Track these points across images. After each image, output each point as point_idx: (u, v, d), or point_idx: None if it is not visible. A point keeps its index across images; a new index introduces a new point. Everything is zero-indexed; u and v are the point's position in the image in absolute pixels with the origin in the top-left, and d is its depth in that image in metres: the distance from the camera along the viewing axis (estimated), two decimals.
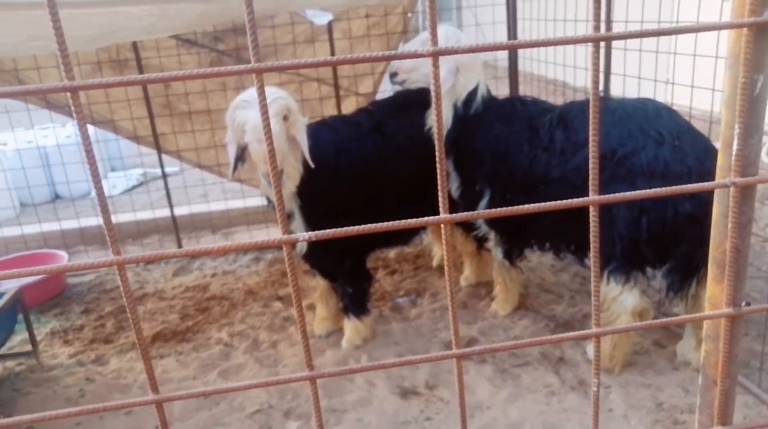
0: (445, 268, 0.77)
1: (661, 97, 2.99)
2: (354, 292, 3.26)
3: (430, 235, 4.23)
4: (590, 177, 0.79)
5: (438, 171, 0.76)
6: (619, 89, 3.56)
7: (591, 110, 0.78)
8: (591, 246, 0.82)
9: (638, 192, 0.82)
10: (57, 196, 6.70)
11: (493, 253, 3.42)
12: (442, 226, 0.77)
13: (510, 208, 0.80)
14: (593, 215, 0.81)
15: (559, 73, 4.70)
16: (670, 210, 2.42)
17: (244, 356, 3.35)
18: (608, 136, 2.60)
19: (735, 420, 2.72)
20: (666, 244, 2.48)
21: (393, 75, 3.15)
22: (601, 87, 3.80)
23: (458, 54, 0.71)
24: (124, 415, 2.93)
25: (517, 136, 2.96)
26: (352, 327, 3.32)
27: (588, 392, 2.87)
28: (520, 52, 4.51)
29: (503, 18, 4.39)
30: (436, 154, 0.73)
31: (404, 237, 3.55)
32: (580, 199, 0.82)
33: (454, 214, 0.79)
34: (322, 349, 3.39)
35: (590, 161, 0.79)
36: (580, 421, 2.71)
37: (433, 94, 0.69)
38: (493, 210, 0.79)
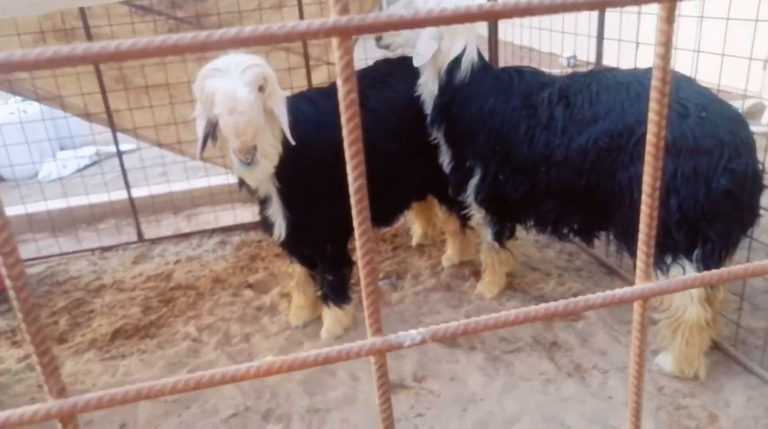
0: None
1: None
2: (334, 279, 3.02)
3: (409, 213, 3.99)
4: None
5: None
6: (613, 57, 3.33)
7: (651, 109, 0.54)
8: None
9: None
10: (0, 179, 6.23)
11: (482, 234, 3.20)
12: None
13: None
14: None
15: (536, 40, 4.46)
16: (703, 188, 2.21)
17: (215, 352, 3.08)
18: (624, 114, 2.39)
19: (738, 402, 2.58)
20: (700, 225, 2.26)
21: (378, 38, 2.87)
22: (591, 55, 3.57)
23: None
24: (83, 425, 2.64)
25: (513, 113, 2.72)
26: (332, 316, 3.08)
27: (586, 378, 2.71)
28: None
29: None
30: None
31: (389, 218, 3.30)
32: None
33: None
34: (299, 340, 3.14)
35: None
36: (580, 411, 2.54)
37: (339, 85, 0.48)
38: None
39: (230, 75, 2.21)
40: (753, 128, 2.49)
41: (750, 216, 2.37)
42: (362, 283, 0.52)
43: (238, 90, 2.16)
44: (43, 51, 0.39)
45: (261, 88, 2.30)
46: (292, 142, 2.42)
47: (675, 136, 2.26)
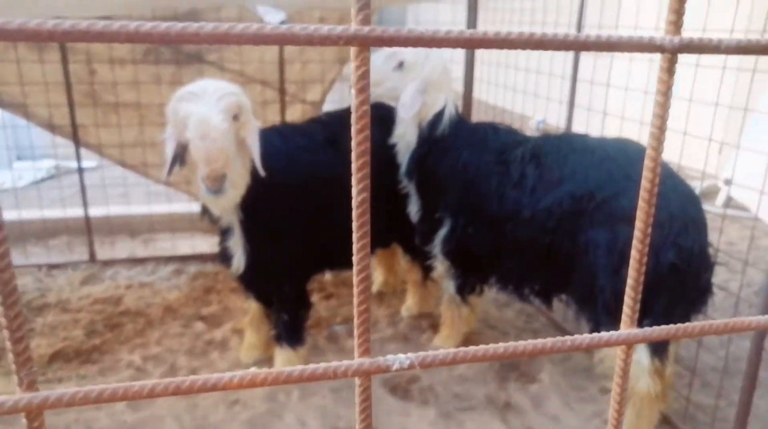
0: None
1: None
2: (290, 320, 2.94)
3: (372, 259, 3.96)
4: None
5: None
6: (582, 125, 3.43)
7: (643, 183, 0.57)
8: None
9: None
10: None
11: (444, 286, 3.19)
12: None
13: None
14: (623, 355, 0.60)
15: (509, 101, 4.58)
16: (651, 259, 2.25)
17: None
18: (586, 178, 2.44)
19: None
20: (646, 297, 2.29)
21: None
22: (561, 120, 3.68)
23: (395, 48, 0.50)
24: None
25: (486, 168, 2.76)
26: (284, 357, 2.99)
27: None
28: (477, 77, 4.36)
29: (461, 58, 4.22)
30: None
31: (351, 262, 3.25)
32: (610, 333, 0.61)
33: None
34: None
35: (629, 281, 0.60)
36: None
37: (353, 96, 0.48)
38: None
39: (206, 100, 2.18)
40: (707, 208, 2.57)
41: (696, 294, 2.42)
42: (355, 301, 0.52)
43: (213, 116, 2.13)
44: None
45: (236, 117, 2.27)
46: (262, 174, 2.39)
47: (631, 205, 2.31)
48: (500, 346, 0.52)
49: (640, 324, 2.10)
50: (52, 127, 4.07)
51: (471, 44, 0.47)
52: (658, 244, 2.23)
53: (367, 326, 0.52)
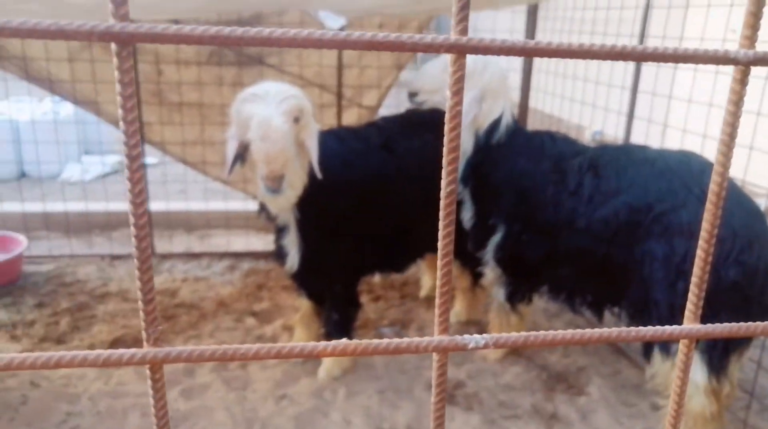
0: None
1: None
2: (340, 319, 2.99)
3: (421, 264, 3.98)
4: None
5: None
6: (641, 136, 3.38)
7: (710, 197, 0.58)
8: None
9: None
10: (23, 175, 6.31)
11: (494, 293, 3.18)
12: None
13: None
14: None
15: (566, 111, 4.53)
16: (712, 275, 2.20)
17: (210, 375, 3.04)
18: (646, 189, 2.41)
19: None
20: (704, 313, 2.24)
21: (413, 95, 2.91)
22: (619, 131, 3.62)
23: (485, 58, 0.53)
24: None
25: (542, 176, 2.75)
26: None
27: None
28: (534, 86, 4.33)
29: (520, 27, 4.21)
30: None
31: (401, 265, 3.30)
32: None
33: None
34: (296, 376, 3.10)
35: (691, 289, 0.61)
36: None
37: (448, 98, 0.53)
38: None
39: (268, 102, 2.25)
40: None
41: (760, 313, 2.35)
42: (438, 283, 0.56)
43: (274, 118, 2.20)
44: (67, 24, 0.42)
45: (296, 119, 2.34)
46: (319, 176, 2.44)
47: (690, 219, 2.27)
48: (568, 333, 0.55)
49: (698, 343, 2.06)
50: (119, 125, 4.25)
51: (565, 55, 0.50)
52: (720, 261, 2.18)
53: (448, 307, 0.56)
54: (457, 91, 0.51)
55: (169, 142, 4.32)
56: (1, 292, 3.78)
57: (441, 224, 0.54)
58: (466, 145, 2.91)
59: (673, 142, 3.19)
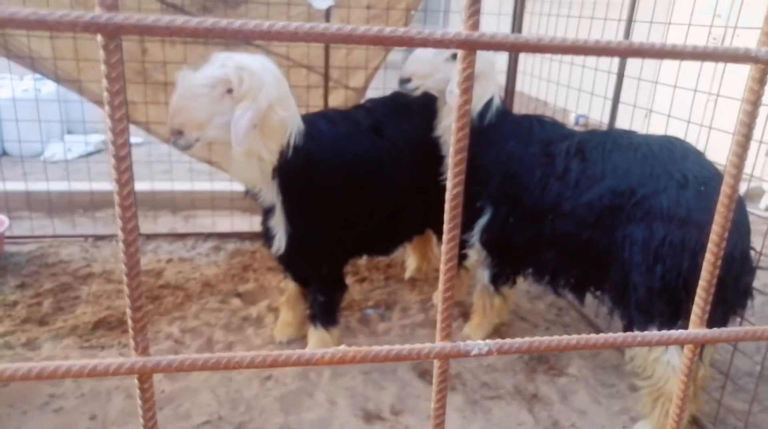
0: None
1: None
2: (325, 301, 3.01)
3: (407, 245, 4.00)
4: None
5: None
6: (625, 121, 3.39)
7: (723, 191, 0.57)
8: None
9: None
10: (4, 153, 6.22)
11: (478, 275, 3.21)
12: None
13: None
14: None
15: (552, 95, 4.53)
16: (688, 260, 2.24)
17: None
18: (628, 174, 2.43)
19: None
20: (680, 297, 2.28)
21: (405, 81, 2.88)
22: (603, 116, 3.64)
23: (490, 50, 0.53)
24: (51, 412, 2.60)
25: (530, 159, 2.77)
26: (317, 337, 3.06)
27: None
28: (520, 69, 4.32)
29: (507, 9, 4.19)
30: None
31: (388, 248, 3.31)
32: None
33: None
34: None
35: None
36: None
37: (456, 95, 0.51)
38: None
39: (208, 67, 2.38)
40: (751, 210, 2.53)
41: (735, 298, 2.39)
42: (441, 287, 0.55)
43: (195, 80, 2.33)
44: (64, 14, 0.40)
45: (229, 90, 2.36)
46: (237, 147, 2.43)
47: (670, 204, 2.30)
48: (573, 338, 0.55)
49: (675, 325, 2.09)
50: (103, 104, 4.19)
51: (579, 51, 0.49)
52: (698, 245, 2.21)
53: (451, 312, 0.55)
54: (466, 89, 0.49)
55: (153, 121, 4.27)
56: None
57: (446, 228, 0.53)
58: None
59: (658, 128, 3.21)
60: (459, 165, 0.52)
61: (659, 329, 2.37)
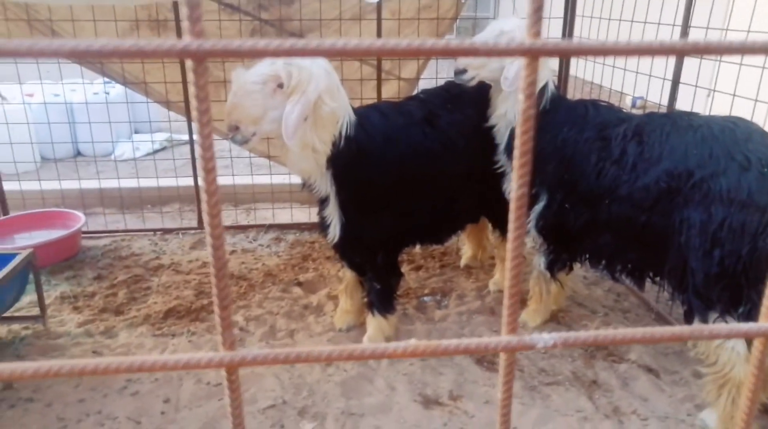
0: None
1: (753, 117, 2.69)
2: (382, 289, 3.08)
3: (461, 233, 4.02)
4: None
5: None
6: (686, 102, 3.29)
7: None
8: None
9: None
10: (79, 154, 6.57)
11: (534, 262, 3.21)
12: None
13: None
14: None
15: (607, 78, 4.43)
16: (748, 244, 2.17)
17: (260, 343, 3.19)
18: (686, 156, 2.38)
19: None
20: (740, 282, 2.22)
21: (460, 72, 2.89)
22: (663, 98, 3.55)
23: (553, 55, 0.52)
24: (129, 395, 2.78)
25: (586, 144, 2.74)
26: (375, 324, 3.14)
27: (624, 423, 2.68)
28: None
29: (558, 12, 4.15)
30: None
31: (442, 237, 3.35)
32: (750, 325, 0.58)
33: None
34: (341, 343, 3.20)
35: None
36: None
37: (520, 101, 0.51)
38: None
39: (258, 66, 2.50)
40: None
41: None
42: (507, 283, 0.55)
43: (247, 78, 2.45)
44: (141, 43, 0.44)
45: (280, 86, 2.46)
46: (287, 141, 2.51)
47: (730, 186, 2.23)
48: (638, 331, 0.54)
49: (736, 313, 2.03)
50: (167, 103, 4.39)
51: (642, 52, 0.49)
52: (760, 229, 2.15)
53: (517, 307, 0.56)
54: (530, 95, 0.50)
55: (215, 119, 4.41)
56: (63, 266, 4.01)
57: (511, 226, 0.53)
58: (511, 115, 2.91)
59: (722, 109, 3.10)
60: (524, 166, 0.52)
61: (720, 315, 2.32)
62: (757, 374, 0.59)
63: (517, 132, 0.50)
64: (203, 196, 0.49)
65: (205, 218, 0.49)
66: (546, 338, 0.55)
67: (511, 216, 0.53)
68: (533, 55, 0.49)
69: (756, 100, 2.98)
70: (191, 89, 0.46)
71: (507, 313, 0.56)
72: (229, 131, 2.54)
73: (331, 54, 0.46)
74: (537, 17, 0.48)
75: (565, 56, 0.50)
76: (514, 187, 0.53)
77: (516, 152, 0.51)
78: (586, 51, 0.49)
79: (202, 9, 0.44)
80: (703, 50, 0.49)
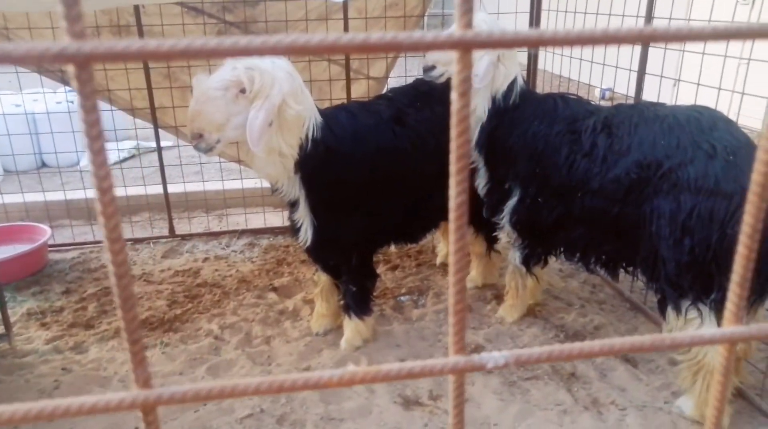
0: None
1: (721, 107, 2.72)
2: (357, 291, 3.05)
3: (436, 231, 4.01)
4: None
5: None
6: (653, 92, 3.32)
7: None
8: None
9: None
10: (44, 165, 6.41)
11: (509, 257, 3.21)
12: None
13: None
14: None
15: (575, 71, 4.46)
16: (717, 232, 2.19)
17: (236, 351, 3.13)
18: (654, 146, 2.40)
19: None
20: (710, 270, 2.24)
21: (429, 68, 2.88)
22: (630, 89, 3.57)
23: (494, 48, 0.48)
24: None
25: (556, 138, 2.75)
26: (352, 327, 3.11)
27: (603, 413, 2.68)
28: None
29: (524, 7, 4.16)
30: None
31: (415, 236, 3.33)
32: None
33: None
34: (318, 348, 3.17)
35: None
36: None
37: (453, 88, 0.46)
38: None
39: (219, 71, 2.46)
40: None
41: (760, 267, 2.33)
42: (451, 300, 0.52)
43: (209, 84, 2.41)
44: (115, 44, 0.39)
45: (242, 90, 2.42)
46: (253, 148, 2.47)
47: (698, 175, 2.25)
48: (596, 344, 0.52)
49: (708, 300, 2.04)
50: (132, 110, 4.30)
51: (600, 40, 0.45)
52: (727, 216, 2.17)
53: (463, 325, 0.53)
54: (464, 92, 0.46)
55: (183, 124, 4.36)
56: (29, 281, 3.90)
57: (452, 238, 0.50)
58: (481, 111, 2.90)
59: (688, 98, 3.14)
60: (461, 172, 0.47)
61: (693, 303, 2.34)
62: (723, 381, 0.57)
63: (452, 135, 0.46)
64: (100, 220, 0.44)
65: (105, 244, 0.44)
66: (497, 357, 0.51)
67: (451, 226, 0.50)
68: (464, 47, 0.44)
69: (719, 89, 3.01)
70: (77, 99, 0.40)
71: (453, 332, 0.52)
72: (192, 139, 2.49)
73: (256, 53, 0.41)
74: (467, 7, 0.43)
75: (498, 47, 0.45)
76: (451, 194, 0.49)
77: (451, 157, 0.47)
78: (521, 42, 0.45)
79: (81, 6, 0.38)
80: (635, 38, 0.45)
